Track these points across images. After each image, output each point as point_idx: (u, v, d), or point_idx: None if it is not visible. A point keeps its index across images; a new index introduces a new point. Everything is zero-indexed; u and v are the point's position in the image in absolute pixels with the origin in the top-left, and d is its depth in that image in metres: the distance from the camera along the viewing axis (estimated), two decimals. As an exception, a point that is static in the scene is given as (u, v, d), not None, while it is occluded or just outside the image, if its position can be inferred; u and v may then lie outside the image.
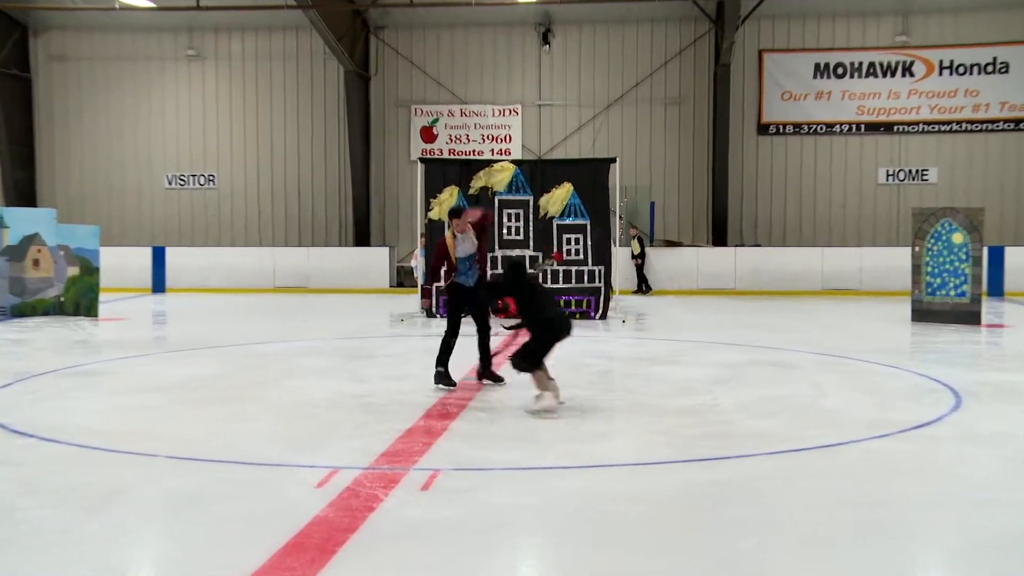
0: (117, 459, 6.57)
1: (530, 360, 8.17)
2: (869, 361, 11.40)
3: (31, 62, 28.75)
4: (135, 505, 5.51)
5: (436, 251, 9.61)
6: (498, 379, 9.61)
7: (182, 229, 28.51)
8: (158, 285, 25.23)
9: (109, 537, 4.97)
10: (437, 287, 17.08)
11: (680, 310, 19.66)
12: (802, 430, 7.48)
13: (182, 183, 28.62)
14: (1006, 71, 26.09)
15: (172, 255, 25.76)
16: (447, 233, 9.66)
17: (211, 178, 28.54)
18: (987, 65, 26.17)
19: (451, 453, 6.69)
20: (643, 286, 24.10)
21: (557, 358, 11.89)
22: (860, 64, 26.55)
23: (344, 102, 27.36)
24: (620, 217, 23.49)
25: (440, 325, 16.16)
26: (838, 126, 26.74)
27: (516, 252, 17.36)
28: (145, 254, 25.77)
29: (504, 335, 11.61)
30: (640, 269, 24.25)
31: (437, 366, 9.47)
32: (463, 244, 9.52)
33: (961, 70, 26.27)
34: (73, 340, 13.55)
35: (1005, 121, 26.27)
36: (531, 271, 8.79)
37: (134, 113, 28.65)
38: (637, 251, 24.25)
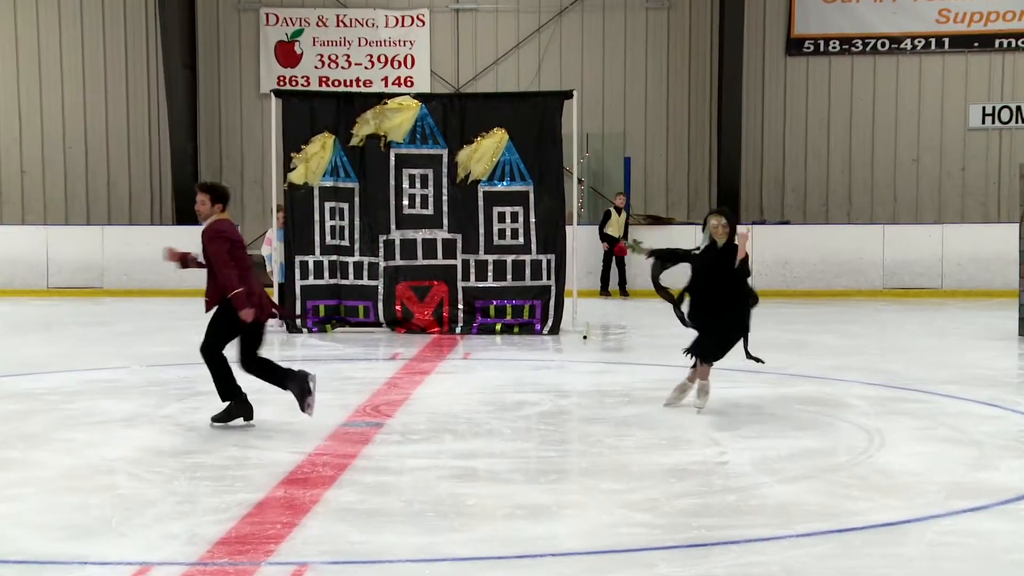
0: None
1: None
2: (953, 396, 11.66)
3: None
4: None
5: (230, 239, 10.15)
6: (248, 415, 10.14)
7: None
8: None
9: None
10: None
11: (670, 320, 19.80)
12: (851, 500, 7.64)
13: None
14: None
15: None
16: (225, 218, 10.31)
17: (-57, 117, 28.13)
18: None
19: (325, 538, 6.73)
20: (622, 284, 24.28)
21: (474, 391, 11.98)
22: (945, -56, 27.08)
23: (156, 2, 27.12)
24: (579, 180, 23.70)
25: (312, 345, 16.18)
26: (909, 40, 27.18)
27: (423, 233, 17.42)
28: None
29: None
30: (621, 261, 24.33)
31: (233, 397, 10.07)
32: None
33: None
34: None
35: None
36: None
37: None
38: (620, 231, 24.27)
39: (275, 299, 17.91)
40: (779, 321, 19.51)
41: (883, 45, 27.22)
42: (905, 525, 7.03)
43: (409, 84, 27.14)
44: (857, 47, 27.24)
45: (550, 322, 17.34)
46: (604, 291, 24.24)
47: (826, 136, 27.53)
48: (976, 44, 27.10)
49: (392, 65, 27.64)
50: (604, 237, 24.22)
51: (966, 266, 24.34)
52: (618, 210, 24.36)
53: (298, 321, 17.44)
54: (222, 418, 10.04)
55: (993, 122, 27.31)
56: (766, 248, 24.91)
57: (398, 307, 17.45)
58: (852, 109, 27.47)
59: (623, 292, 24.28)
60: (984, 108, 27.31)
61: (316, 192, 17.49)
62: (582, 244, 20.99)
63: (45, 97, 28.00)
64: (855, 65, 27.41)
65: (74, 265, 25.38)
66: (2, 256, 25.31)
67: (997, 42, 27.06)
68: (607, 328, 18.43)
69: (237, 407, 10.09)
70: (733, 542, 6.68)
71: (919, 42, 27.17)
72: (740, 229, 11.22)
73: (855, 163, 27.51)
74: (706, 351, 10.80)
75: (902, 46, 27.20)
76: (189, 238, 25.35)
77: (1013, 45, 27.04)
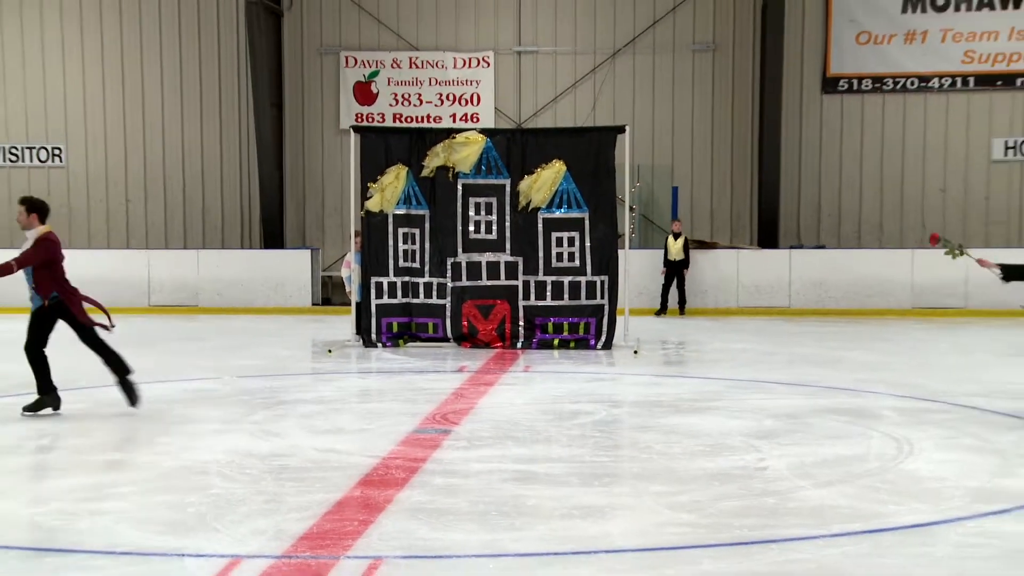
0: (-71, 548, 6.62)
1: None
2: (978, 408, 11.56)
3: None
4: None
5: (52, 250, 11.01)
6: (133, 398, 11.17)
7: (13, 223, 28.34)
8: (-17, 304, 25.14)
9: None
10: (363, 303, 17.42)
11: (713, 336, 19.80)
12: (882, 503, 7.60)
13: (14, 158, 28.58)
14: None
15: None
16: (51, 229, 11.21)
17: (57, 152, 28.51)
18: None
19: (398, 534, 6.76)
20: (681, 304, 24.25)
21: (534, 401, 12.00)
22: (970, -9, 26.91)
23: (246, 47, 27.41)
24: (631, 208, 23.67)
25: (385, 359, 16.26)
26: (936, 79, 27.02)
27: (487, 256, 17.48)
28: None
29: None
30: (682, 283, 24.27)
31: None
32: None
33: (1119, -6, 26.58)
34: None
35: None
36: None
37: (-51, 62, 28.65)
38: (678, 255, 24.22)
39: (352, 316, 18.06)
40: (815, 338, 19.45)
41: (912, 84, 27.06)
42: (932, 527, 6.99)
43: (475, 120, 27.24)
44: (888, 86, 27.10)
45: (603, 338, 17.33)
46: (662, 310, 24.19)
47: (859, 167, 27.37)
48: (999, 82, 26.89)
49: (460, 103, 27.76)
50: (666, 263, 24.25)
51: (989, 288, 23.92)
52: (675, 236, 24.37)
53: (373, 336, 17.55)
54: (34, 408, 10.95)
55: (1015, 155, 27.06)
56: (806, 270, 24.84)
57: (464, 324, 17.51)
58: (883, 143, 27.28)
59: (682, 311, 24.22)
60: (1007, 142, 27.07)
61: (390, 219, 17.60)
62: (633, 267, 20.93)
63: (147, 135, 28.33)
64: (886, 102, 27.24)
65: (172, 285, 25.65)
66: (108, 277, 25.53)
67: (1019, 80, 26.81)
68: (664, 343, 18.39)
69: (50, 399, 11.03)
70: (772, 541, 6.67)
71: (946, 81, 27.00)
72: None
73: (886, 192, 27.32)
74: None
75: (930, 84, 27.03)
76: (275, 264, 25.84)
77: (1034, 83, 26.89)
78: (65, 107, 28.48)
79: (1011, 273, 11.51)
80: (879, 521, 7.11)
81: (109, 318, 11.36)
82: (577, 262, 17.46)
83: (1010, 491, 7.93)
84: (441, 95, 27.76)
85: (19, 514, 7.36)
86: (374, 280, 17.68)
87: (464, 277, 17.55)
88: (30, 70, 28.49)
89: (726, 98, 27.51)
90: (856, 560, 6.34)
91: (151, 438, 9.97)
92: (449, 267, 17.58)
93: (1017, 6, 26.59)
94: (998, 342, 18.66)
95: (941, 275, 24.35)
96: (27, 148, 28.59)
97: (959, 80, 26.98)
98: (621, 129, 17.98)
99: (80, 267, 25.18)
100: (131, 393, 11.16)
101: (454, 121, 27.08)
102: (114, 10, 28.23)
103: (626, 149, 17.88)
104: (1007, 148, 27.05)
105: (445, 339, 17.57)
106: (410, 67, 27.82)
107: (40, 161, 28.57)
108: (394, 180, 17.52)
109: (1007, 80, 26.85)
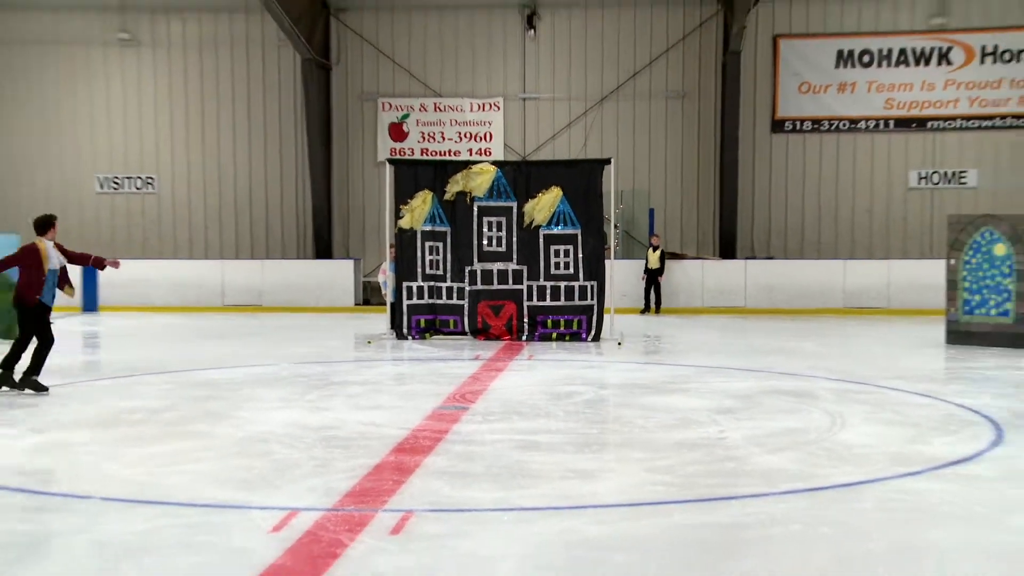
0: (43, 503, 6.64)
1: None
2: (896, 389, 11.56)
3: (-58, 48, 28.78)
4: (64, 556, 5.56)
5: (23, 256, 11.14)
6: (40, 388, 11.14)
7: (116, 239, 28.50)
8: (89, 303, 25.18)
9: (40, 588, 5.05)
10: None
11: (683, 331, 19.80)
12: (819, 467, 7.61)
13: (116, 186, 28.65)
14: (1055, 59, 26.45)
15: (106, 269, 25.63)
16: (40, 242, 11.21)
17: (150, 181, 28.57)
18: (1035, 52, 26.52)
19: (425, 492, 6.78)
20: (657, 304, 24.23)
21: (536, 383, 12.01)
22: (889, 51, 26.86)
23: (301, 95, 27.47)
24: (615, 225, 23.67)
25: (415, 349, 16.27)
26: (863, 122, 27.03)
27: (498, 265, 17.50)
28: (75, 267, 25.63)
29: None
30: (658, 287, 24.26)
31: (32, 374, 11.10)
32: (55, 256, 11.34)
33: (1007, 57, 26.53)
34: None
35: (1055, 117, 26.61)
36: None
37: (57, 105, 28.61)
38: (656, 264, 24.22)
39: (388, 314, 18.07)
40: (766, 333, 19.42)
41: (844, 126, 27.05)
42: (860, 485, 7.01)
43: (488, 154, 27.24)
44: (824, 127, 27.09)
45: (593, 332, 17.32)
46: (645, 309, 24.23)
47: (801, 193, 27.36)
48: (914, 125, 26.88)
49: (475, 140, 27.77)
50: (645, 270, 24.28)
51: (907, 292, 24.12)
52: (653, 248, 24.39)
53: (405, 331, 17.58)
54: (36, 387, 11.13)
55: (927, 183, 27.05)
56: (758, 277, 24.83)
57: (479, 320, 17.52)
58: (821, 173, 27.28)
59: (657, 311, 24.23)
60: (919, 173, 27.05)
61: (419, 235, 17.62)
62: (618, 274, 20.91)
63: (222, 167, 28.36)
64: (823, 141, 27.23)
65: (242, 288, 25.67)
66: (191, 282, 25.67)
67: (929, 123, 26.82)
68: (644, 337, 18.37)
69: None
70: (732, 497, 6.68)
71: (871, 123, 27.00)
72: None
73: (823, 214, 27.32)
74: None
75: (858, 126, 27.03)
76: (324, 271, 25.89)
77: (941, 126, 26.79)
78: (157, 145, 28.53)
79: None
80: (818, 481, 7.13)
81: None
82: (571, 270, 17.45)
83: (923, 456, 7.94)
84: (460, 133, 27.78)
85: (119, 473, 7.38)
86: (405, 285, 17.70)
87: (479, 282, 17.55)
88: (130, 116, 28.54)
89: (693, 136, 27.51)
90: (799, 512, 6.37)
91: (225, 413, 9.98)
92: (467, 274, 17.57)
93: (927, 63, 26.65)
94: (913, 336, 18.63)
95: (867, 282, 24.48)
96: (126, 178, 28.64)
97: (882, 123, 26.98)
98: (607, 161, 17.99)
99: (168, 273, 25.59)
100: (38, 387, 11.27)
101: (471, 155, 27.07)
102: (196, 68, 28.26)
103: (611, 177, 17.91)
104: (920, 178, 27.05)
105: (463, 333, 17.57)
106: (435, 111, 27.84)
107: (136, 189, 28.62)
108: (421, 203, 17.54)
109: (920, 123, 26.86)
